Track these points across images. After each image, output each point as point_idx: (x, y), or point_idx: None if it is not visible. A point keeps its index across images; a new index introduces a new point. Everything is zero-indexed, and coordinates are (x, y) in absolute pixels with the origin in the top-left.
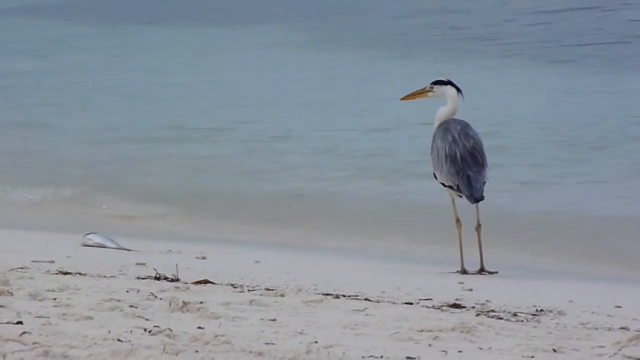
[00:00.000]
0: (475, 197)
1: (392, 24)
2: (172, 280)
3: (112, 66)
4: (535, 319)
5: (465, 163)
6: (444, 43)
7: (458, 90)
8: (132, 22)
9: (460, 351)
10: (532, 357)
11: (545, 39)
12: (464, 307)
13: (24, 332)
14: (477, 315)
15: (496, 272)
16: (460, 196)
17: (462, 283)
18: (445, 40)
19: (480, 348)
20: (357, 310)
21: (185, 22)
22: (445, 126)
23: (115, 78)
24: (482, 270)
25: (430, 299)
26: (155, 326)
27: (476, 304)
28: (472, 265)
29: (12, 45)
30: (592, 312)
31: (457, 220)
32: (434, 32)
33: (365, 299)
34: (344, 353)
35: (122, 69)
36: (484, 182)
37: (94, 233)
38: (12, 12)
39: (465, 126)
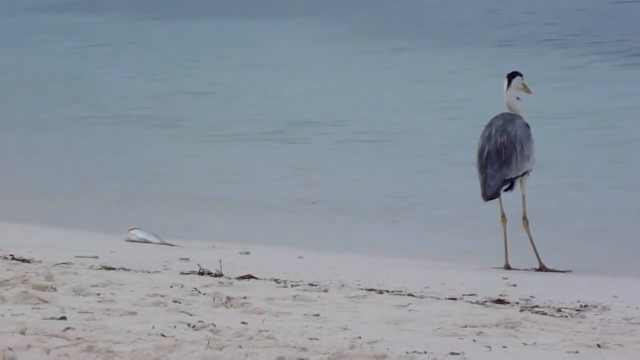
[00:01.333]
0: (486, 195)
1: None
2: (215, 276)
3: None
4: (580, 314)
5: (488, 160)
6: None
7: (508, 82)
8: (163, 16)
9: (504, 347)
10: (577, 352)
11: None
12: (508, 302)
13: (67, 328)
14: (521, 310)
15: (570, 271)
16: None
17: (506, 278)
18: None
19: (525, 344)
20: (401, 305)
21: (210, 16)
22: (491, 121)
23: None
24: (542, 269)
25: (474, 295)
26: (199, 321)
27: (520, 299)
28: (516, 261)
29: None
30: (637, 308)
31: (502, 215)
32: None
33: (409, 295)
34: (387, 348)
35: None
36: (506, 180)
37: (138, 228)
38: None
39: (509, 121)
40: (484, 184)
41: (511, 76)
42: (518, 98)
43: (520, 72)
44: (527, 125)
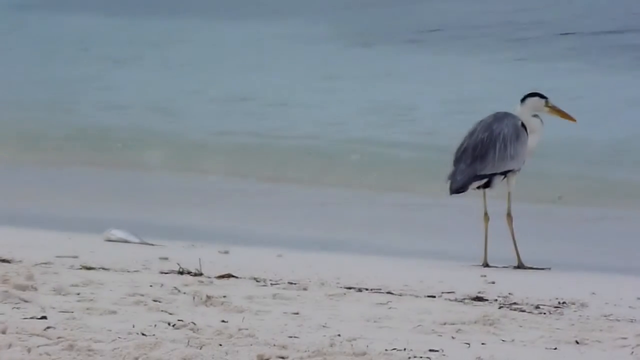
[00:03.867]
0: (451, 189)
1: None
2: (195, 275)
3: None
4: (558, 311)
5: (463, 154)
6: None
7: (521, 102)
8: (148, 13)
9: (483, 343)
10: (555, 349)
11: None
12: (487, 299)
13: (48, 327)
14: (500, 307)
15: (549, 268)
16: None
17: (485, 276)
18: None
19: (503, 340)
20: (380, 303)
21: (189, 14)
22: (483, 118)
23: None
24: (520, 266)
25: (453, 292)
26: (179, 320)
27: (499, 296)
28: (495, 258)
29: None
30: (615, 305)
31: (485, 214)
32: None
33: (388, 292)
34: (367, 346)
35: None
36: (478, 175)
37: (117, 228)
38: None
39: (498, 119)
40: (452, 177)
41: (527, 96)
42: (536, 115)
43: (545, 94)
44: (522, 126)
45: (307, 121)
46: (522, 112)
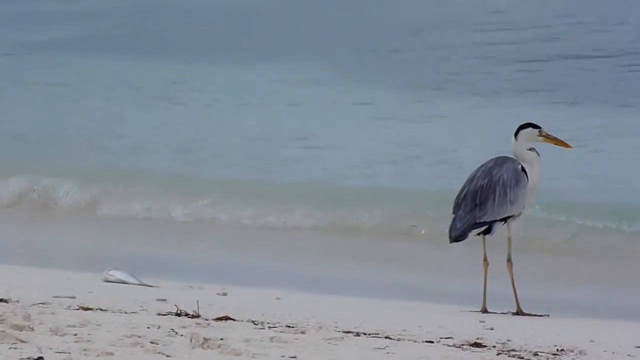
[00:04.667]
0: (450, 237)
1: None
2: (193, 317)
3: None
4: (557, 358)
5: (463, 201)
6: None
7: (515, 134)
8: (150, 54)
9: None
10: None
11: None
12: (485, 346)
13: None
14: (498, 354)
15: (547, 315)
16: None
17: (484, 322)
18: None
19: None
20: (378, 348)
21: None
22: (484, 163)
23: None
24: (519, 312)
25: (452, 338)
26: None
27: (497, 342)
28: (494, 304)
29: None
30: (613, 352)
31: (484, 259)
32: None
33: (386, 337)
34: None
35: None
36: (478, 223)
37: (116, 269)
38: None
39: (498, 164)
40: (451, 225)
41: (520, 128)
42: (532, 149)
43: (537, 124)
44: (522, 170)
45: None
46: (517, 145)
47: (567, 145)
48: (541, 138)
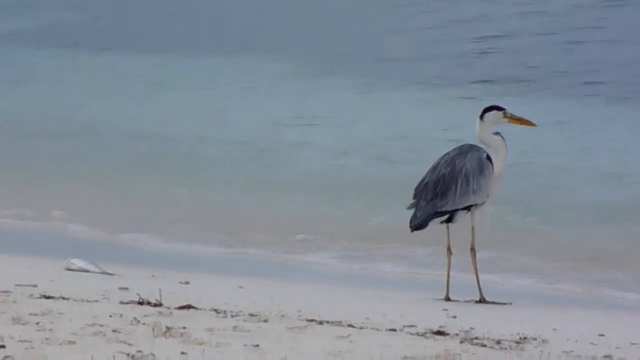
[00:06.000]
0: (410, 226)
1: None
2: (155, 305)
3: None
4: (519, 346)
5: (424, 191)
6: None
7: (480, 117)
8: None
9: None
10: None
11: None
12: (448, 334)
13: (6, 357)
14: (461, 342)
15: (510, 303)
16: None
17: (447, 310)
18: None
19: None
20: (341, 336)
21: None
22: (448, 152)
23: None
24: (482, 300)
25: (415, 326)
26: (138, 351)
27: (460, 331)
28: (458, 292)
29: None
30: (576, 340)
31: (448, 249)
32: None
33: (349, 326)
34: None
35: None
36: (439, 212)
37: (77, 257)
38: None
39: (462, 154)
40: (413, 214)
41: (485, 110)
42: (497, 133)
43: (501, 106)
44: (487, 158)
45: None
46: (482, 129)
47: (532, 124)
48: (506, 120)
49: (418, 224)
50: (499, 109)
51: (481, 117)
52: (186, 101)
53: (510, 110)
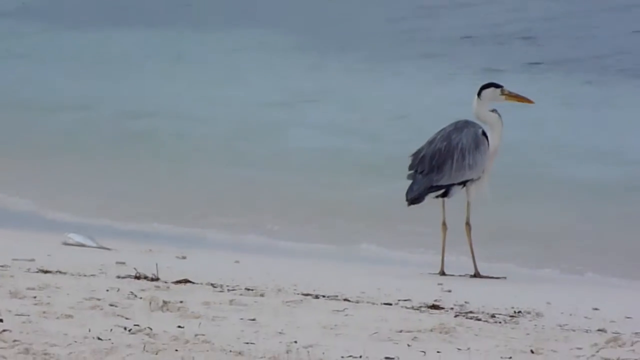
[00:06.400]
0: (407, 199)
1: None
2: (152, 280)
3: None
4: (514, 320)
5: (420, 165)
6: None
7: (478, 94)
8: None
9: (438, 352)
10: (510, 358)
11: None
12: (443, 308)
13: (4, 330)
14: (456, 316)
15: (504, 278)
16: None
17: (441, 284)
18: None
19: (459, 349)
20: (337, 310)
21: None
22: (445, 127)
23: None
24: (477, 275)
25: (410, 300)
26: (135, 325)
27: (455, 305)
28: (452, 267)
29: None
30: (570, 314)
31: (443, 224)
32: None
33: (345, 300)
34: (323, 353)
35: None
36: (434, 186)
37: (74, 232)
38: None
39: (458, 129)
40: (409, 187)
41: (482, 88)
42: (494, 110)
43: (499, 83)
44: (483, 134)
45: None
46: (479, 106)
47: (529, 101)
48: (503, 97)
49: (414, 197)
50: (496, 86)
51: (478, 94)
52: (196, 77)
53: (507, 87)
